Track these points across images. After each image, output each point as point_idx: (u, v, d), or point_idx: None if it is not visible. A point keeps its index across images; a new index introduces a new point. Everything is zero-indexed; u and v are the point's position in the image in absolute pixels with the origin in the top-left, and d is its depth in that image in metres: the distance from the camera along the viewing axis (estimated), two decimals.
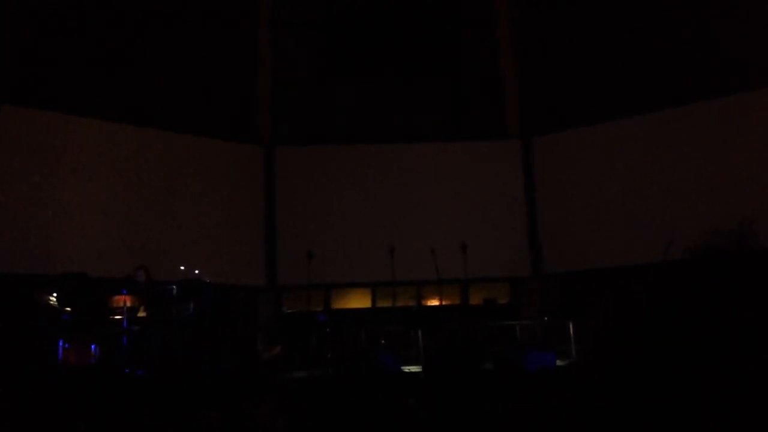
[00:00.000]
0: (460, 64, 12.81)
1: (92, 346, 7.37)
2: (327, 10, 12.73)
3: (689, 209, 10.47)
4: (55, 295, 7.57)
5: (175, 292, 8.18)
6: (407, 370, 8.31)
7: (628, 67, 11.29)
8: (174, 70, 10.98)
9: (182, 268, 8.55)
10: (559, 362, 8.53)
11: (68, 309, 7.57)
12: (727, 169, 10.50)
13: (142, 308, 8.03)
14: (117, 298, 7.90)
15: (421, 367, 8.46)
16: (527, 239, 11.93)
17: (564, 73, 11.83)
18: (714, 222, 9.22)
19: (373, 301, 11.82)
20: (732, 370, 2.80)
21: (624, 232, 11.02)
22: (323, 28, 12.73)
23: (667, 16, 11.10)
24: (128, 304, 7.80)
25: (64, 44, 10.03)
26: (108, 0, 10.50)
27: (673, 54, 10.97)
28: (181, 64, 11.08)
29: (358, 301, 11.95)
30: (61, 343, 7.20)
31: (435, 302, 11.09)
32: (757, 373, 2.78)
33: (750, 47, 10.51)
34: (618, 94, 11.31)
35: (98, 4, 10.40)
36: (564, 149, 11.90)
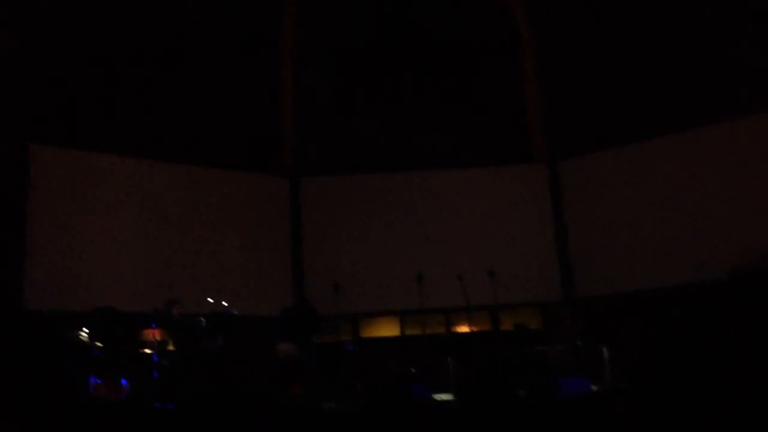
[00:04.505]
0: (483, 88, 12.76)
1: (123, 381, 7.37)
2: (348, 40, 12.81)
3: (720, 230, 10.29)
4: (85, 330, 7.60)
5: (204, 324, 8.19)
6: (439, 399, 8.19)
7: (655, 87, 11.19)
8: (197, 105, 11.09)
9: (210, 300, 8.56)
10: (593, 388, 8.36)
11: (99, 344, 7.59)
12: (761, 189, 10.30)
13: (171, 342, 8.04)
14: (147, 332, 7.93)
15: (452, 395, 8.34)
16: (557, 263, 11.80)
17: (589, 94, 11.75)
18: (747, 243, 9.07)
19: (402, 329, 11.72)
20: None
21: (655, 254, 10.85)
22: (345, 57, 12.80)
23: (695, 35, 11.00)
24: (158, 338, 7.82)
25: (88, 82, 10.19)
26: (132, 37, 10.66)
27: (701, 73, 10.85)
28: (204, 98, 11.19)
29: (387, 329, 11.86)
30: (92, 379, 7.22)
31: (465, 329, 10.97)
32: None
33: None
34: (645, 114, 11.20)
35: (122, 41, 10.58)
36: (591, 171, 11.80)
